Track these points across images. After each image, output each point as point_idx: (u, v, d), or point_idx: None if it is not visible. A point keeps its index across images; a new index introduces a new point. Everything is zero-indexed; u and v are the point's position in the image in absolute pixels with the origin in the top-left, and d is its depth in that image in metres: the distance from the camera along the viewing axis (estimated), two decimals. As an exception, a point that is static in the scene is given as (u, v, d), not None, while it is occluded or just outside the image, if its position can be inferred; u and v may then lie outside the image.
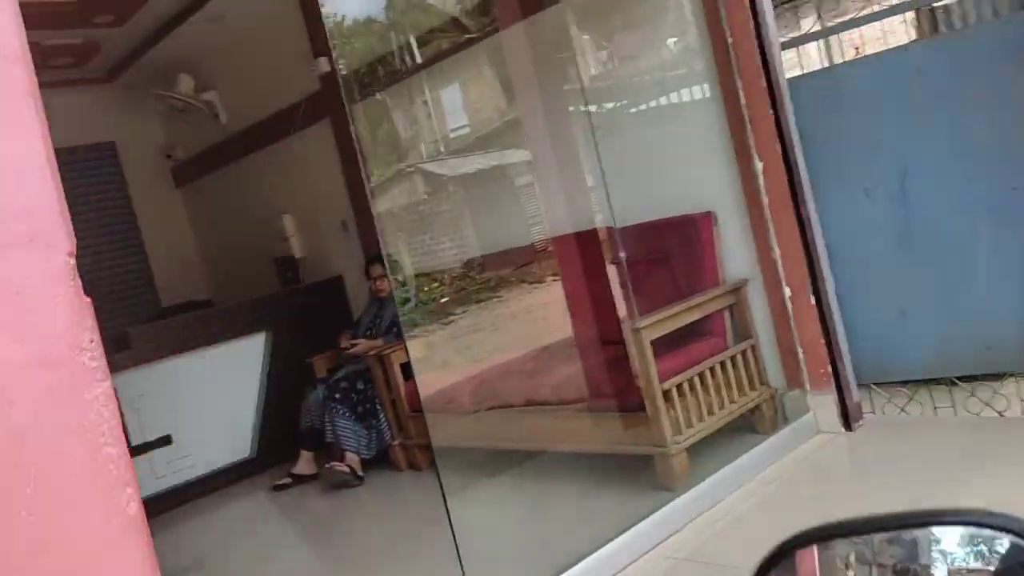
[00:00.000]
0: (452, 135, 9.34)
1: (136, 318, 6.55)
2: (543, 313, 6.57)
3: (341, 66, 5.64)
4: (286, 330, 5.39)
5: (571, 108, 4.35)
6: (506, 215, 6.46)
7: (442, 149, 9.30)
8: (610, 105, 4.41)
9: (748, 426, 3.57)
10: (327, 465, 4.48)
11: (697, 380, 3.41)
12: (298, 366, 5.13)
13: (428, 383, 4.93)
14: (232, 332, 5.19)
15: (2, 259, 1.19)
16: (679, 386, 3.35)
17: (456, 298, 8.55)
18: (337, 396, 4.57)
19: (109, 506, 1.20)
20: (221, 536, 4.55)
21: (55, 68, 5.77)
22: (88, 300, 1.27)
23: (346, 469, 4.41)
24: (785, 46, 3.63)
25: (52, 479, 1.16)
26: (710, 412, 3.43)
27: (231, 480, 5.11)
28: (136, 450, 4.78)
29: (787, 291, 3.53)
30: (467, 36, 6.89)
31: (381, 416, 4.62)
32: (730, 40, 3.50)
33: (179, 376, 4.96)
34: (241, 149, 6.05)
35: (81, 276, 1.33)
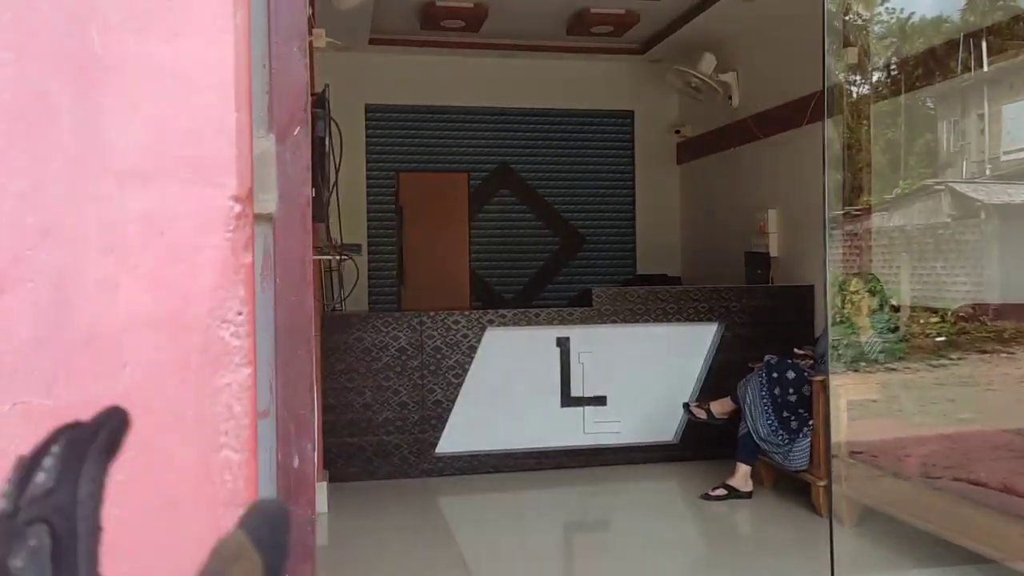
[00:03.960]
0: (1004, 158, 7.95)
1: (612, 277, 6.92)
2: (1062, 388, 5.33)
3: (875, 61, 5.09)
4: (740, 327, 5.15)
5: None
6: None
7: (987, 171, 7.99)
8: None
9: None
10: (718, 489, 4.37)
11: None
12: (742, 365, 4.87)
13: (880, 428, 4.31)
14: (688, 315, 5.12)
15: (148, 186, 0.92)
16: None
17: (955, 341, 7.35)
18: (765, 387, 4.27)
19: (210, 526, 0.92)
20: (629, 508, 4.59)
21: (597, 35, 6.21)
22: (247, 262, 0.97)
23: (722, 492, 4.32)
24: None
25: (150, 472, 0.91)
26: None
27: (649, 458, 5.11)
28: (572, 401, 5.06)
29: None
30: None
31: (803, 437, 4.15)
32: None
33: (627, 343, 5.07)
34: (745, 135, 5.87)
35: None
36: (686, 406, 4.73)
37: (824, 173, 3.49)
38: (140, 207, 0.90)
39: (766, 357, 4.47)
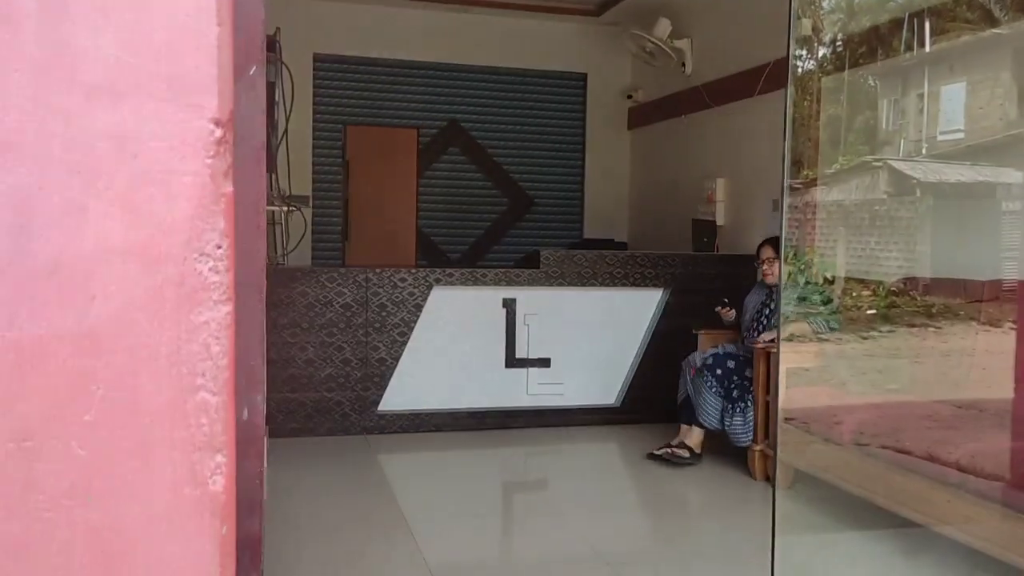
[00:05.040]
0: (940, 138, 8.15)
1: (558, 241, 6.92)
2: (985, 362, 5.54)
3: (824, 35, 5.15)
4: (683, 293, 5.21)
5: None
6: (975, 240, 5.54)
7: (923, 151, 8.18)
8: None
9: None
10: (664, 449, 4.38)
11: None
12: (685, 332, 4.94)
13: (813, 396, 4.43)
14: (634, 280, 5.16)
15: (120, 103, 0.83)
16: None
17: (885, 314, 7.57)
18: (710, 370, 4.32)
19: (184, 470, 0.87)
20: (569, 469, 4.64)
21: (552, -6, 6.13)
22: (228, 192, 0.89)
23: (684, 454, 4.34)
24: None
25: (120, 412, 0.85)
26: None
27: (591, 421, 5.16)
28: (517, 362, 5.06)
29: None
30: (993, 30, 6.01)
31: (749, 411, 4.24)
32: None
33: (573, 305, 5.09)
34: (697, 103, 5.89)
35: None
36: (655, 456, 4.42)
37: (784, 139, 3.51)
38: (111, 126, 0.82)
39: (697, 357, 4.49)
